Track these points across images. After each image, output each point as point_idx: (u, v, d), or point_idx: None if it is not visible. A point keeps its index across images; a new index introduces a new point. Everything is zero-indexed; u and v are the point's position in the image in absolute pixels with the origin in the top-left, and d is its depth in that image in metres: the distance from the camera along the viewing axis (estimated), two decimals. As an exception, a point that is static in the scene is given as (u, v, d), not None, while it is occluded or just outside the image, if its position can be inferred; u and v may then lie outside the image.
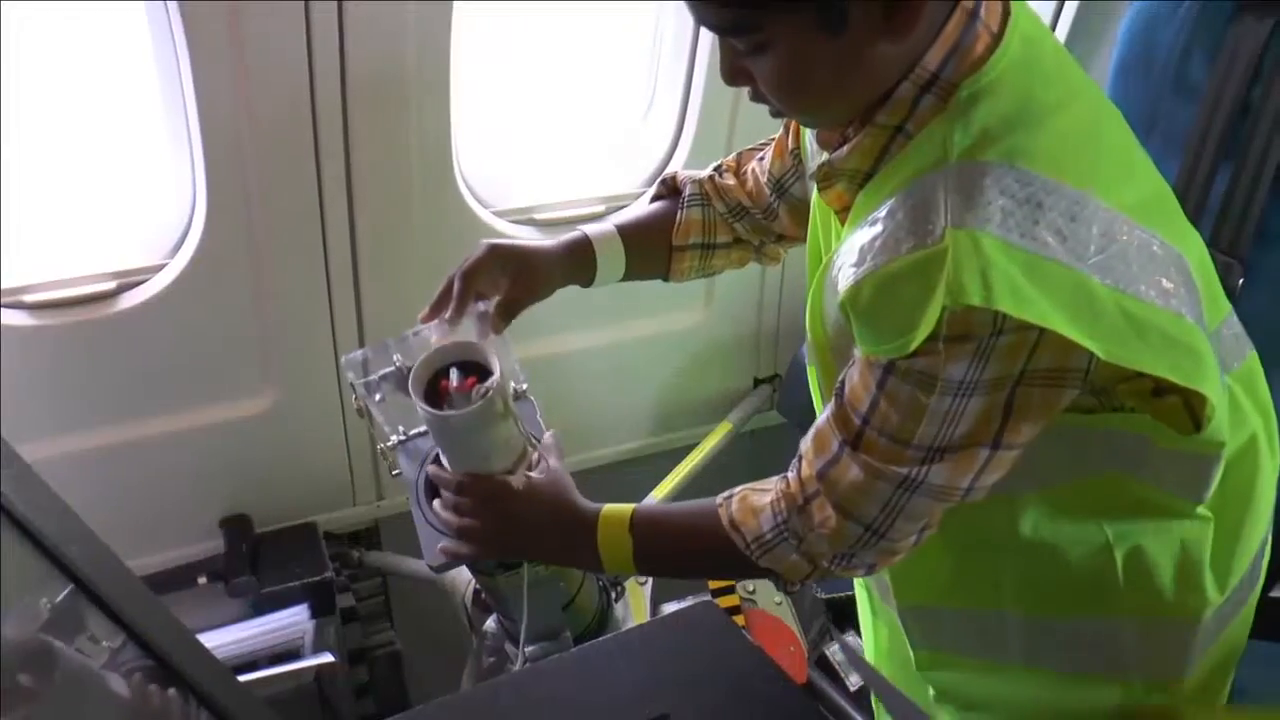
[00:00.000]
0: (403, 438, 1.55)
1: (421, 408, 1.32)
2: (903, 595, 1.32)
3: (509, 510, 1.31)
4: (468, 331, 1.43)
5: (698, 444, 2.38)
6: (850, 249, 1.09)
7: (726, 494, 1.28)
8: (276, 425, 2.07)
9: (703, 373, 2.47)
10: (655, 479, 2.25)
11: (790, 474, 1.21)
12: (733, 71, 1.14)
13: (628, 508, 1.29)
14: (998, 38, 1.09)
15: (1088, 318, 1.02)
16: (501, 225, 2.11)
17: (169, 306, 1.89)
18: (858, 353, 1.11)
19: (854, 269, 1.07)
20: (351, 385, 1.51)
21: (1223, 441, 1.17)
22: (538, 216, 2.16)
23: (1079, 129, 1.13)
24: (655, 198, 1.62)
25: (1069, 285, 1.02)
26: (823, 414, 1.17)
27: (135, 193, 1.94)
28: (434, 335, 1.44)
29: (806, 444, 1.19)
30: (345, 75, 1.77)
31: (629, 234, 1.55)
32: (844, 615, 2.28)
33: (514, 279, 1.45)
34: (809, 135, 1.38)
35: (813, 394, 1.41)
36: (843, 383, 1.14)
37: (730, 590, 2.05)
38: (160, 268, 1.91)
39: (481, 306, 1.44)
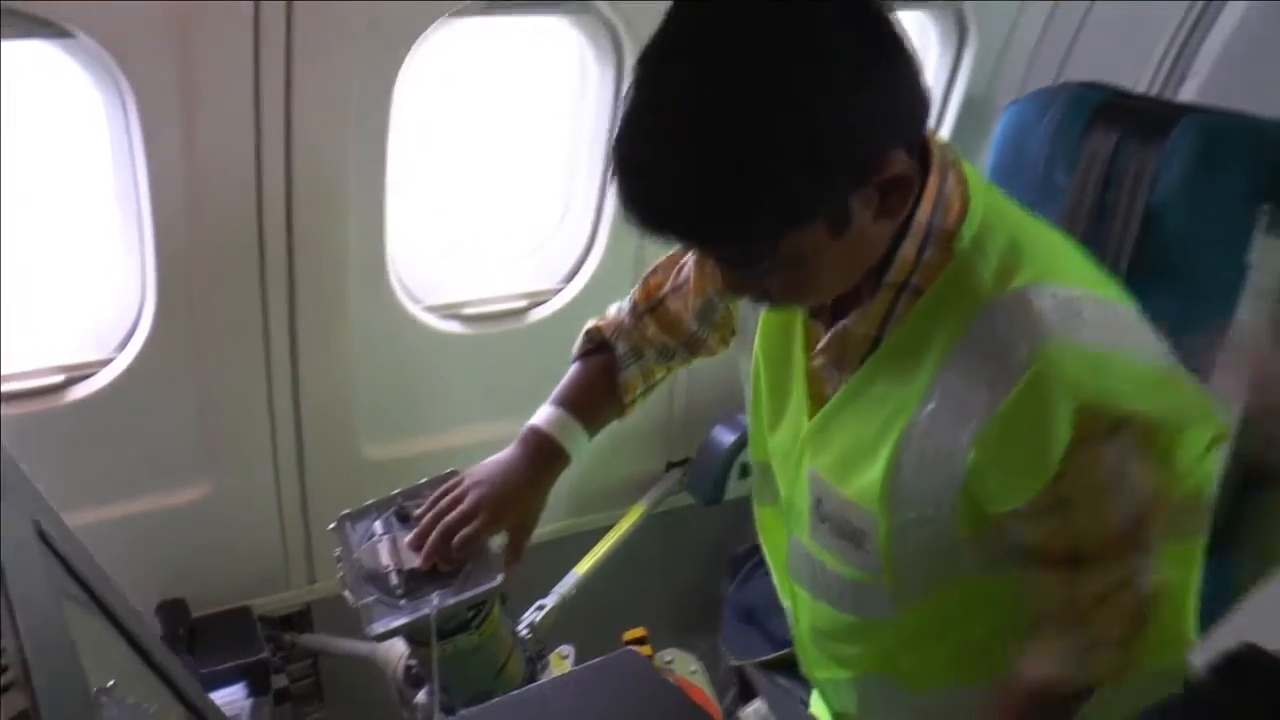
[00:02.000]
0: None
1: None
2: (921, 685, 1.39)
3: None
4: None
5: (614, 525, 2.49)
6: (931, 424, 1.16)
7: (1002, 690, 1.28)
8: (213, 512, 2.14)
9: (618, 459, 2.57)
10: (576, 558, 2.36)
11: (1043, 620, 1.23)
12: (739, 289, 1.20)
13: None
14: (964, 182, 1.19)
15: (1157, 392, 1.13)
16: (431, 321, 2.23)
17: (115, 400, 1.97)
18: (1019, 511, 1.16)
19: (958, 436, 1.13)
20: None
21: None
22: (464, 311, 2.29)
23: (1059, 240, 1.25)
24: (585, 353, 1.65)
25: (1133, 370, 1.13)
26: (1030, 573, 1.21)
27: (82, 287, 2.02)
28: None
29: (1037, 601, 1.22)
30: (291, 184, 1.89)
31: (583, 412, 1.58)
32: (748, 687, 2.40)
33: (516, 529, 1.54)
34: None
35: (783, 546, 1.46)
36: (1023, 545, 1.19)
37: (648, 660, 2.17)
38: (107, 362, 1.98)
39: (493, 547, 1.54)
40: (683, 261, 1.59)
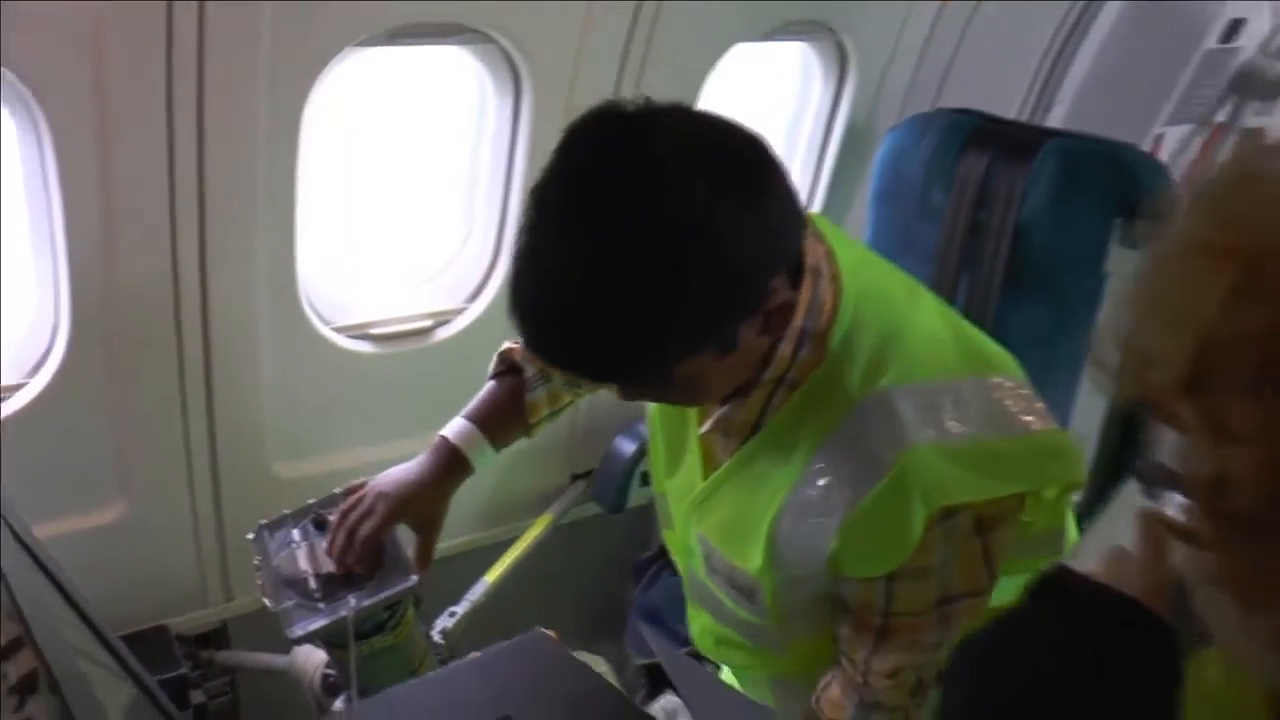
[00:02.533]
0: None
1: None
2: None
3: None
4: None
5: (520, 536, 2.57)
6: (803, 505, 1.30)
7: (815, 698, 1.44)
8: (130, 534, 2.15)
9: (524, 472, 2.65)
10: (486, 568, 2.44)
11: (843, 661, 1.40)
12: (634, 399, 1.34)
13: None
14: (835, 278, 1.30)
15: (1007, 471, 1.29)
16: (341, 341, 2.28)
17: (29, 424, 1.98)
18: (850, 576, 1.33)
19: (826, 521, 1.29)
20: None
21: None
22: (372, 331, 2.34)
23: (926, 322, 1.37)
24: (496, 373, 1.75)
25: (986, 455, 1.28)
26: (843, 626, 1.38)
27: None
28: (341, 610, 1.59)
29: (844, 646, 1.39)
30: (204, 211, 1.93)
31: (489, 427, 1.68)
32: (655, 686, 2.49)
33: (419, 527, 1.63)
34: None
35: (684, 569, 1.61)
36: (846, 600, 1.36)
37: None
38: (20, 386, 1.99)
39: (406, 550, 1.64)
40: None
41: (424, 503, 1.64)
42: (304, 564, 1.63)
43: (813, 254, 1.28)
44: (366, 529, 1.58)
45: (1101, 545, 0.78)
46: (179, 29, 1.76)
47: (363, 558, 1.59)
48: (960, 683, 0.75)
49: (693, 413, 1.44)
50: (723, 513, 1.41)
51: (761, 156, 1.21)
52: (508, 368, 1.75)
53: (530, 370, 1.73)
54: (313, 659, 2.12)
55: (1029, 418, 1.35)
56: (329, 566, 1.64)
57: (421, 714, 1.26)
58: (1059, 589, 0.73)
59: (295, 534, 1.68)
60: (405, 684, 1.33)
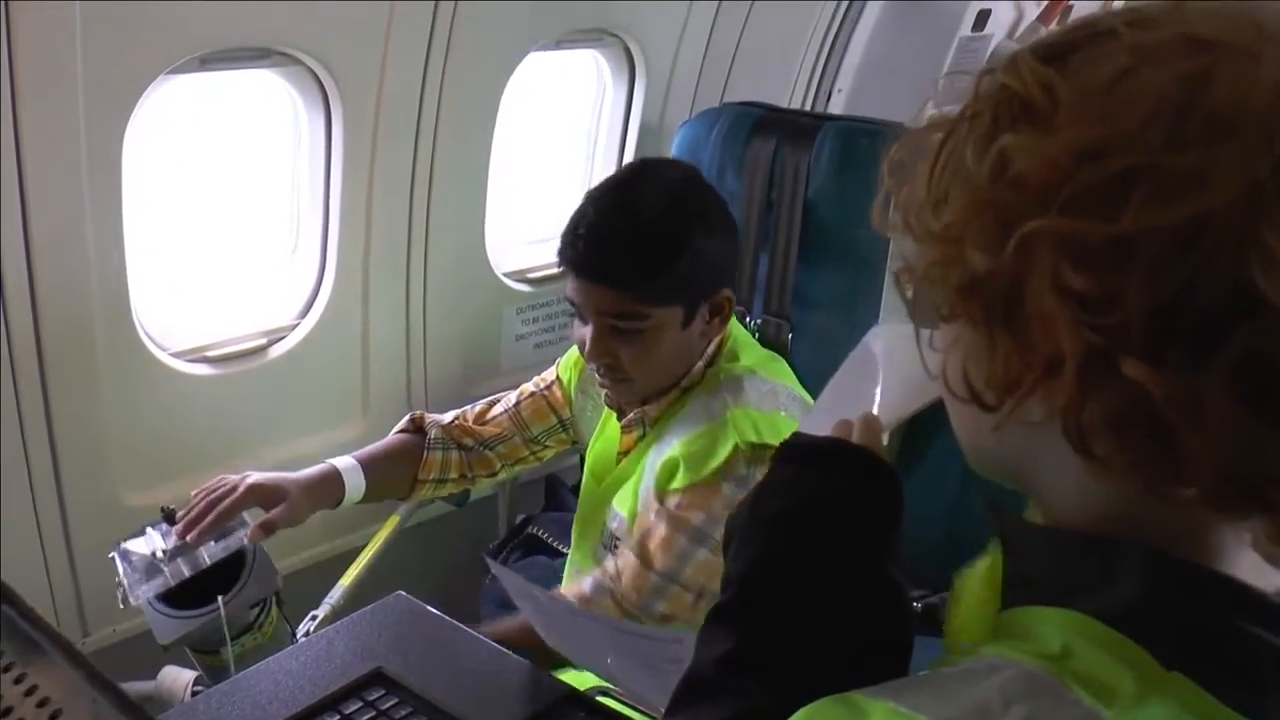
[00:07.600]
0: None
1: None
2: None
3: None
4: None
5: (370, 541, 2.56)
6: (666, 445, 1.77)
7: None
8: None
9: None
10: (340, 574, 2.48)
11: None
12: (602, 352, 1.73)
13: None
14: (726, 336, 1.87)
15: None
16: (179, 365, 2.30)
17: None
18: (657, 504, 1.73)
19: (672, 444, 1.74)
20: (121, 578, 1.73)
21: None
22: (210, 354, 2.36)
23: (768, 357, 1.93)
24: (399, 430, 2.08)
25: (785, 426, 1.69)
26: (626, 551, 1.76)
27: None
28: (185, 569, 1.72)
29: (625, 558, 1.74)
30: (30, 243, 1.94)
31: (369, 465, 1.96)
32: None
33: (277, 515, 1.78)
34: (578, 404, 2.08)
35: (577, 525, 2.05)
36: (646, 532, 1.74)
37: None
38: None
39: (239, 531, 1.76)
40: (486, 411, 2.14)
41: (284, 493, 1.79)
42: (156, 544, 1.75)
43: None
44: (225, 505, 1.73)
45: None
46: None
47: (209, 526, 1.71)
48: (739, 518, 0.94)
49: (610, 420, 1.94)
50: (624, 479, 1.87)
51: (728, 211, 1.86)
52: (413, 429, 2.06)
53: (434, 433, 2.03)
54: (180, 678, 2.12)
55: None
56: (186, 568, 1.71)
57: (295, 676, 1.33)
58: (800, 447, 0.92)
59: (148, 529, 1.77)
60: (279, 653, 1.40)
